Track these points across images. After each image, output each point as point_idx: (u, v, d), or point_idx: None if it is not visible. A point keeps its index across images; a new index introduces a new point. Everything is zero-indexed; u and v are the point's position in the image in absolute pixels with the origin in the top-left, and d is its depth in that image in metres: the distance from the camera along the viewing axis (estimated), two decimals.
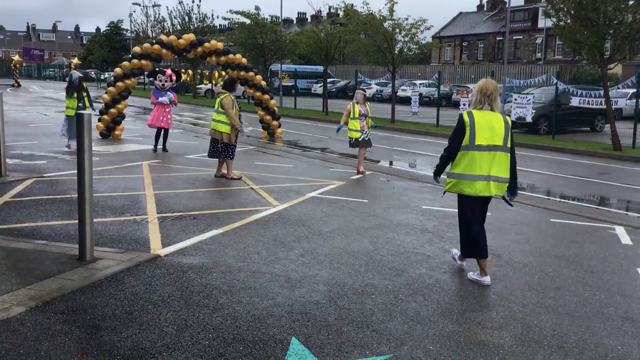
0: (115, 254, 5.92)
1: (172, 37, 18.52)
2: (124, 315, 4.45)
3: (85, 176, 5.57)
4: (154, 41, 18.54)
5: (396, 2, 24.03)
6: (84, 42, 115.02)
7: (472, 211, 5.67)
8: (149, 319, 4.40)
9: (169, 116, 14.46)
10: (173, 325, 4.32)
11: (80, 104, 14.28)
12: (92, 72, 67.38)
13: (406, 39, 24.37)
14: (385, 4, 24.16)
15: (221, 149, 10.89)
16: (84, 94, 14.45)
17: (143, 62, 18.08)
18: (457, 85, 45.60)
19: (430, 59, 69.00)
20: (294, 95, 33.56)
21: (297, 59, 36.43)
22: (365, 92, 12.71)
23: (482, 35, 65.68)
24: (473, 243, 5.69)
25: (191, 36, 19.00)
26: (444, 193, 6.09)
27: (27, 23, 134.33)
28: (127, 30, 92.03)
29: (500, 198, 5.84)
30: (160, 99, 14.33)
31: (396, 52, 24.20)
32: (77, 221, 7.10)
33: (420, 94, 38.70)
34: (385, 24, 24.10)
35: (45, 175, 10.36)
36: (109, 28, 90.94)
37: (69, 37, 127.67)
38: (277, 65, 36.58)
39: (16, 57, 55.21)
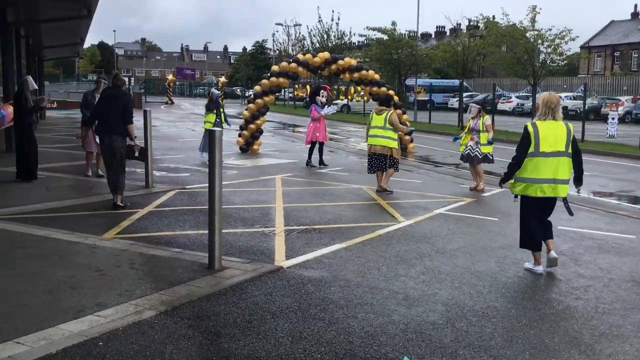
0: (242, 264, 6.18)
1: (308, 56, 19.11)
2: (244, 323, 4.63)
3: (215, 189, 5.89)
4: (291, 60, 19.24)
5: (538, 12, 23.03)
6: (232, 61, 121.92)
7: (533, 210, 6.35)
8: (267, 328, 4.55)
9: (324, 130, 14.77)
10: (288, 337, 4.42)
11: (217, 120, 15.24)
12: (238, 90, 71.14)
13: (549, 50, 23.24)
14: (527, 15, 23.25)
15: (390, 163, 11.20)
16: (221, 110, 15.44)
17: (281, 79, 18.82)
18: (607, 97, 42.61)
19: (578, 70, 65.24)
20: (429, 110, 33.20)
21: (433, 73, 35.98)
22: (479, 106, 12.03)
23: (636, 44, 60.99)
24: (530, 237, 6.40)
25: (326, 54, 19.49)
26: (515, 197, 6.59)
27: (181, 44, 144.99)
28: (270, 49, 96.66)
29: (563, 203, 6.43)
30: (322, 112, 14.64)
31: (537, 64, 23.13)
32: None
33: (566, 107, 36.78)
34: (527, 35, 23.14)
35: (187, 187, 11.08)
36: (254, 48, 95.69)
37: (218, 56, 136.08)
38: (412, 79, 36.41)
39: (170, 77, 59.69)
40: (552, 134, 6.17)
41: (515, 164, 6.34)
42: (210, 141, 5.90)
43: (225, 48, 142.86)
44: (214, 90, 16.09)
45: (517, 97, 44.50)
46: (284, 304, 5.08)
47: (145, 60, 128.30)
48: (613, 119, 23.11)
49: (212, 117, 15.27)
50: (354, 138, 24.58)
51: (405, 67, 31.99)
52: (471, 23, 27.68)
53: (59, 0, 14.91)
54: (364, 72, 19.51)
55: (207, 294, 5.23)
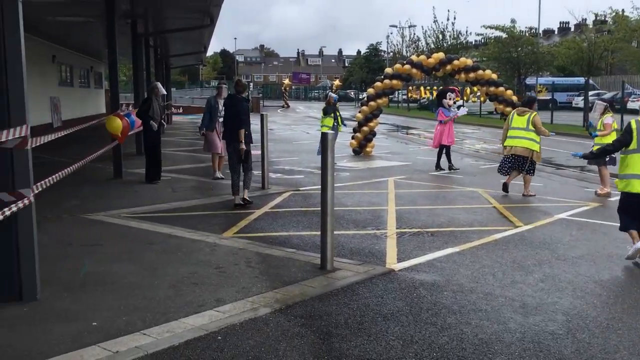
0: (353, 265, 6.23)
1: (422, 57, 18.89)
2: (355, 324, 4.67)
3: (327, 191, 5.99)
4: (404, 62, 19.12)
5: None
6: (346, 64, 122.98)
7: (632, 204, 6.63)
8: (378, 330, 4.55)
9: (451, 133, 14.23)
10: (399, 340, 4.40)
11: (335, 123, 15.46)
12: (351, 93, 71.70)
13: None
14: None
15: (528, 166, 10.94)
16: (338, 114, 15.61)
17: (394, 82, 18.78)
18: None
19: None
20: (551, 110, 31.67)
21: (555, 71, 34.30)
22: (606, 103, 11.20)
23: None
24: (630, 220, 6.67)
25: (440, 55, 19.17)
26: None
27: (297, 49, 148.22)
28: (384, 51, 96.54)
29: None
30: (451, 114, 14.29)
31: None
32: None
33: None
34: None
35: (300, 188, 11.33)
36: (368, 50, 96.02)
37: (332, 60, 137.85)
38: (532, 78, 34.94)
39: (286, 81, 61.32)
40: None
41: (610, 150, 7.19)
42: (322, 144, 6.00)
43: (340, 52, 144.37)
44: (331, 93, 16.30)
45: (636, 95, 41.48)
46: (395, 307, 5.06)
47: (264, 65, 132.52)
48: None
49: (329, 121, 15.50)
50: (469, 140, 23.97)
51: (526, 66, 30.74)
52: (598, 18, 26.03)
53: (183, 12, 15.76)
54: (480, 72, 18.98)
55: (319, 294, 5.32)
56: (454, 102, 14.55)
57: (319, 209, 9.48)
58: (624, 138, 6.62)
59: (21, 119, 4.83)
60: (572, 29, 73.16)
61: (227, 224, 8.24)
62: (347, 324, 4.68)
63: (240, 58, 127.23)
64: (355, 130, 18.43)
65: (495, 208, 9.69)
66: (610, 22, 27.37)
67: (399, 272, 6.08)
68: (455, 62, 18.90)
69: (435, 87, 44.30)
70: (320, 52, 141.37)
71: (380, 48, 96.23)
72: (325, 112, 15.73)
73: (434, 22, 41.06)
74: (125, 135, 11.79)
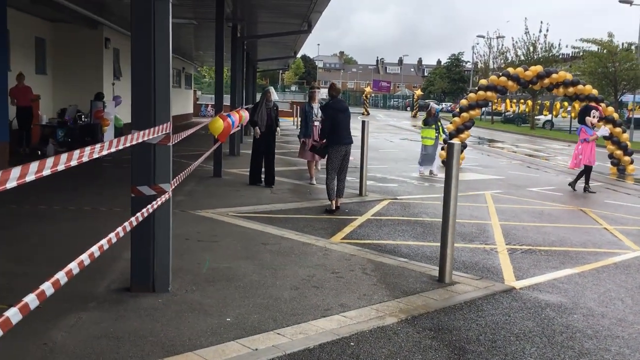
0: (471, 280, 6.09)
1: (519, 69, 18.42)
2: (488, 342, 4.54)
3: (450, 202, 5.89)
4: (500, 73, 18.71)
5: None
6: (425, 74, 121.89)
7: None
8: (513, 350, 4.41)
9: (593, 152, 13.25)
10: None
11: (437, 134, 15.29)
12: (432, 102, 70.95)
13: None
14: None
15: None
16: (439, 124, 15.44)
17: (488, 93, 18.41)
18: None
19: None
20: None
21: None
22: None
23: None
24: None
25: (538, 68, 18.65)
26: None
27: (377, 57, 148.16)
28: (466, 62, 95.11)
29: None
30: (601, 133, 13.71)
31: None
32: (431, 243, 7.60)
33: None
34: None
35: (398, 197, 11.24)
36: (449, 60, 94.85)
37: (412, 69, 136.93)
38: (629, 95, 33.45)
39: (367, 89, 61.38)
40: None
41: None
42: (448, 155, 5.92)
43: (420, 61, 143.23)
44: (433, 104, 16.09)
45: None
46: (525, 327, 4.89)
47: (342, 72, 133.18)
48: None
49: (431, 133, 15.33)
50: (561, 157, 23.16)
51: (623, 82, 29.45)
52: None
53: (284, 17, 16.03)
54: (580, 86, 18.36)
55: (442, 307, 5.23)
56: (599, 122, 13.57)
57: (421, 219, 9.52)
58: None
59: (165, 117, 5.00)
60: None
61: (332, 228, 8.26)
62: (479, 340, 4.57)
63: (319, 64, 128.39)
64: (445, 142, 18.19)
65: (607, 229, 9.29)
66: None
67: (520, 291, 5.90)
68: (554, 75, 18.36)
69: (522, 100, 43.14)
70: (400, 60, 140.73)
71: (462, 58, 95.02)
72: (426, 123, 15.55)
73: (525, 33, 39.95)
74: (227, 135, 12.05)
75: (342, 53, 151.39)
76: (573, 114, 36.94)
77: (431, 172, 15.23)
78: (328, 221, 8.76)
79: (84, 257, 3.04)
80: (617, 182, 16.14)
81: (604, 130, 14.29)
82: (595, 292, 5.98)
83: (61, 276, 2.78)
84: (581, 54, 34.00)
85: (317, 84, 13.03)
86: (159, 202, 4.77)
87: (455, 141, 5.88)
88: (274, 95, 11.46)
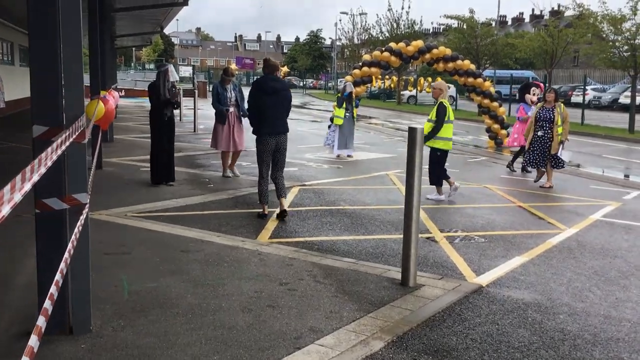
0: (434, 280, 5.47)
1: (401, 44, 18.26)
2: None
3: (413, 196, 5.20)
4: (383, 48, 18.45)
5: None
6: (285, 50, 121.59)
7: None
8: None
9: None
10: None
11: (347, 114, 14.57)
12: (293, 80, 70.67)
13: None
14: (627, 3, 21.80)
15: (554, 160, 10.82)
16: (353, 105, 14.74)
17: (373, 69, 18.10)
18: None
19: None
20: (509, 102, 31.86)
21: (512, 64, 34.48)
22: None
23: None
24: None
25: (419, 43, 18.61)
26: None
27: (235, 34, 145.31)
28: (324, 39, 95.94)
29: None
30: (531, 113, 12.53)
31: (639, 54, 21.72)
32: (367, 236, 6.93)
33: None
34: (627, 24, 21.73)
35: (306, 183, 10.45)
36: (308, 37, 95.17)
37: (271, 46, 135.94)
38: (490, 71, 35.07)
39: (233, 66, 59.59)
40: None
41: None
42: (410, 139, 5.19)
43: (278, 37, 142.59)
44: (347, 84, 15.20)
45: (592, 89, 42.55)
46: (522, 338, 4.32)
47: (201, 49, 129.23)
48: None
49: (341, 112, 14.60)
50: None
51: (485, 57, 30.70)
52: (561, 9, 26.01)
53: None
54: (459, 62, 18.59)
55: (423, 320, 4.53)
56: (538, 100, 12.52)
57: (342, 207, 8.80)
58: None
59: (78, 106, 3.78)
60: (527, 20, 74.65)
61: (253, 225, 7.29)
62: None
63: (175, 40, 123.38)
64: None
65: (523, 207, 9.16)
66: (575, 15, 27.19)
67: (489, 289, 5.36)
68: (435, 50, 18.42)
69: (387, 77, 43.92)
70: (259, 37, 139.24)
71: (321, 35, 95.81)
72: (338, 104, 14.77)
73: (389, 10, 40.56)
74: (110, 121, 10.53)
75: (198, 29, 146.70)
76: None
77: (349, 156, 14.48)
78: (244, 217, 7.77)
79: None
80: (498, 155, 16.55)
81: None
82: (560, 284, 5.60)
83: None
84: (443, 30, 35.06)
85: (231, 67, 11.19)
86: (81, 220, 3.58)
87: (417, 126, 5.18)
88: (174, 75, 9.52)
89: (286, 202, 7.85)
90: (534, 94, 12.42)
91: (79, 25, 3.78)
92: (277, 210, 7.75)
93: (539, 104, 11.42)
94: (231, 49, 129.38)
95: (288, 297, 4.87)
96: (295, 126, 23.56)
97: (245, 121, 9.57)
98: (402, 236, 6.97)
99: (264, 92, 7.48)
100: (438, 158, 9.51)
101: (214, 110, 10.60)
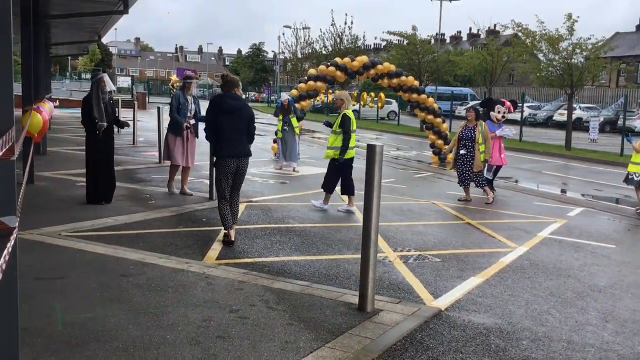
0: (392, 304, 5.23)
1: (347, 60, 18.26)
2: None
3: (372, 215, 4.95)
4: (328, 63, 18.35)
5: (576, 21, 22.32)
6: (227, 63, 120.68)
7: None
8: None
9: (503, 152, 11.93)
10: None
11: (285, 127, 14.31)
12: (285, 94, 70.00)
13: (589, 60, 22.57)
14: (564, 23, 22.52)
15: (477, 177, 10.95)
16: (290, 117, 14.46)
17: (318, 83, 18.01)
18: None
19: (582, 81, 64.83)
20: (450, 118, 32.38)
21: (452, 80, 35.10)
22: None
23: None
24: None
25: (364, 58, 18.67)
26: None
27: (176, 45, 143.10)
28: (267, 52, 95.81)
29: None
30: (504, 133, 11.88)
31: (576, 73, 22.45)
32: (319, 257, 6.68)
33: (580, 119, 36.39)
34: (564, 44, 22.43)
35: (252, 199, 10.10)
36: (251, 50, 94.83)
37: (212, 58, 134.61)
38: (431, 87, 35.61)
39: (173, 77, 58.48)
40: None
41: None
42: (368, 159, 4.96)
43: (220, 50, 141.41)
44: (283, 94, 14.93)
45: (528, 106, 43.89)
46: None
47: (140, 59, 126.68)
48: (594, 127, 24.55)
49: (280, 125, 14.32)
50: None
51: (427, 74, 31.12)
52: (502, 28, 26.55)
53: None
54: (403, 77, 18.75)
55: (385, 349, 4.27)
56: (503, 117, 11.87)
57: (291, 225, 8.47)
58: None
59: (8, 118, 3.35)
60: (465, 38, 76.79)
61: (198, 245, 6.90)
62: None
63: (114, 50, 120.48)
64: (276, 134, 17.36)
65: (471, 224, 9.11)
66: (513, 34, 27.77)
67: (448, 313, 5.17)
68: (379, 66, 18.52)
69: (330, 91, 43.98)
70: (200, 49, 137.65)
71: (263, 48, 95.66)
72: (275, 114, 14.48)
73: (332, 25, 40.71)
74: (44, 132, 9.90)
75: (138, 39, 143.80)
76: (380, 104, 38.49)
77: (294, 170, 14.24)
78: (189, 235, 7.37)
79: None
80: (444, 171, 16.61)
81: (509, 130, 12.28)
82: (519, 306, 5.47)
83: None
84: (383, 45, 35.43)
85: (196, 74, 10.56)
86: (9, 247, 3.15)
87: (376, 143, 4.94)
88: (109, 84, 8.80)
89: (234, 231, 7.20)
90: (498, 112, 11.87)
91: (8, 27, 3.36)
92: (221, 234, 7.34)
93: (462, 122, 11.48)
94: (172, 60, 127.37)
95: (239, 326, 4.52)
96: None
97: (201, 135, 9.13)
98: (355, 256, 6.78)
99: (222, 111, 6.87)
100: (339, 167, 9.59)
101: (169, 120, 10.08)
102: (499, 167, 11.90)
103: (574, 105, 41.22)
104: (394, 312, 5.01)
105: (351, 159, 9.63)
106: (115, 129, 9.19)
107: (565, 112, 37.36)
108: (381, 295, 5.46)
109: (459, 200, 11.13)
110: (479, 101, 46.14)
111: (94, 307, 4.73)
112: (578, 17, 22.28)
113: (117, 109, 9.99)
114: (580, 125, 34.96)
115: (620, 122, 36.20)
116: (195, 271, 5.83)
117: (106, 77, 8.83)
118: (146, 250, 6.45)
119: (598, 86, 60.63)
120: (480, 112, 11.76)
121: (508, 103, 12.13)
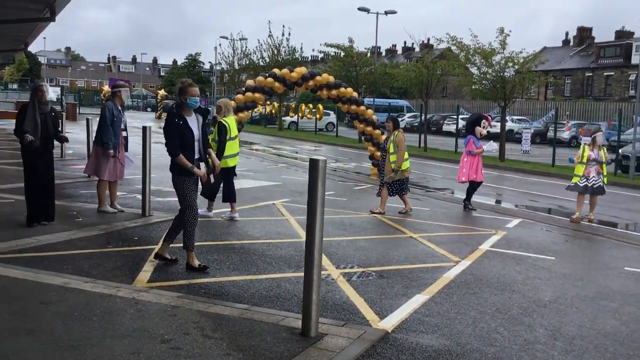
0: (337, 327, 4.95)
1: (285, 71, 18.01)
2: None
3: (315, 235, 4.66)
4: (267, 74, 18.06)
5: (508, 35, 22.89)
6: (162, 73, 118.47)
7: None
8: None
9: (480, 167, 11.87)
10: None
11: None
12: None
13: (521, 73, 23.17)
14: (497, 37, 23.06)
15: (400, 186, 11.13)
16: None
17: (256, 95, 17.65)
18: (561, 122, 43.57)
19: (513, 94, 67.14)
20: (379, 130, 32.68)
21: (389, 92, 35.41)
22: (602, 133, 11.52)
23: (568, 70, 63.46)
24: None
25: (303, 70, 18.48)
26: None
27: (109, 54, 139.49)
28: (203, 63, 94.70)
29: None
30: (493, 147, 12.24)
31: (508, 86, 22.99)
32: (259, 276, 6.36)
33: (512, 131, 37.48)
34: (497, 58, 22.94)
35: None
36: (187, 60, 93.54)
37: (147, 68, 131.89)
38: (369, 99, 35.82)
39: (106, 87, 56.77)
40: None
41: None
42: (311, 172, 4.67)
43: (155, 60, 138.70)
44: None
45: (462, 118, 44.93)
46: None
47: (71, 69, 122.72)
48: (526, 139, 25.90)
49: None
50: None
51: (364, 86, 31.28)
52: (435, 42, 27.00)
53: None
54: (342, 89, 18.63)
55: None
56: (487, 131, 11.97)
57: (229, 242, 8.08)
58: None
59: None
60: (400, 52, 78.37)
61: (128, 267, 6.44)
62: None
63: (42, 60, 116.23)
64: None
65: (414, 238, 8.98)
66: (448, 47, 28.21)
67: (395, 335, 4.93)
68: (318, 77, 18.37)
69: (268, 102, 43.66)
70: (134, 59, 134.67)
71: (199, 59, 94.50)
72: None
73: (269, 36, 40.47)
74: None
75: (68, 49, 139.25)
76: (318, 116, 38.47)
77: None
78: (119, 256, 6.88)
79: None
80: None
81: (492, 145, 12.26)
82: (466, 325, 5.30)
83: None
84: (321, 57, 35.47)
85: (129, 84, 9.80)
86: None
87: (319, 157, 4.66)
88: (50, 94, 8.09)
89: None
90: (484, 127, 11.85)
91: None
92: (157, 248, 6.91)
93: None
94: (104, 70, 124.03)
95: (171, 358, 4.14)
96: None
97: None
98: (297, 274, 6.49)
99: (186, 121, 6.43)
100: (228, 175, 9.64)
101: (96, 133, 9.38)
102: (478, 184, 11.97)
103: (506, 118, 42.49)
104: (339, 336, 4.73)
105: (233, 167, 9.73)
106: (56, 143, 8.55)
107: (498, 124, 38.43)
108: (325, 318, 5.17)
109: (399, 212, 11.05)
110: (469, 115, 47.06)
111: (6, 339, 4.24)
112: (510, 31, 22.88)
113: (60, 122, 9.31)
114: (512, 137, 35.99)
115: (550, 133, 37.70)
116: (124, 296, 5.38)
117: (46, 86, 8.10)
118: (70, 274, 5.95)
119: (527, 99, 62.74)
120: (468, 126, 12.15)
121: (490, 118, 12.50)
